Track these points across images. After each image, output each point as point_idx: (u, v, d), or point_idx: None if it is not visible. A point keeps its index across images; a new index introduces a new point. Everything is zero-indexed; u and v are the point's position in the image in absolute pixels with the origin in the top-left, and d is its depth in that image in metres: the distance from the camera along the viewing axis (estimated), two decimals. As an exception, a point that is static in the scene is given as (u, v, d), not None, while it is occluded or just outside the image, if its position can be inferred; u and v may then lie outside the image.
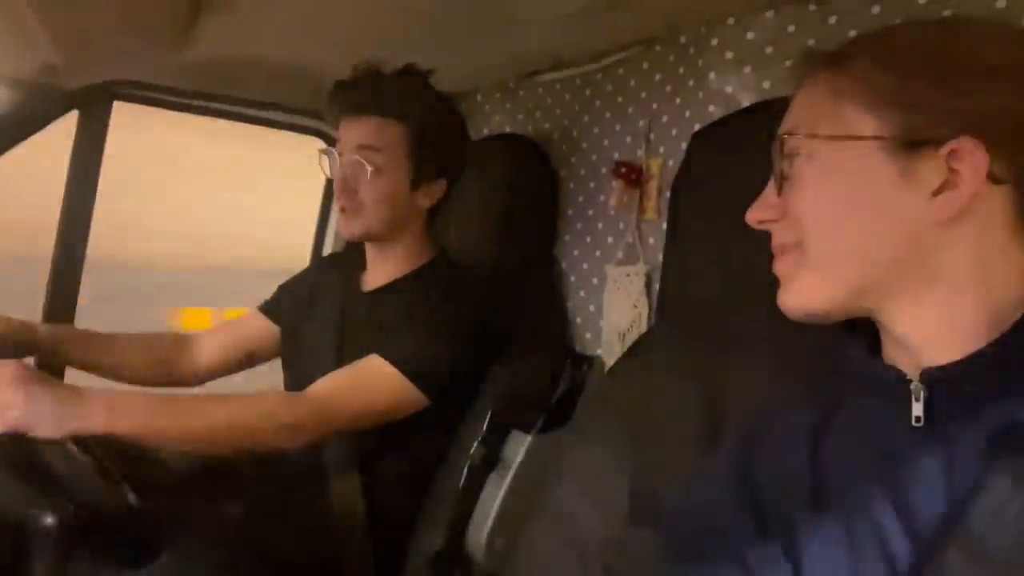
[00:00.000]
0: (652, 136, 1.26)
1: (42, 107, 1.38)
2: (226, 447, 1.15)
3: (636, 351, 1.01)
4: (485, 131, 1.63)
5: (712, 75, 1.14)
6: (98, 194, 1.49)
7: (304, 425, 1.02)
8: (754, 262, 0.63)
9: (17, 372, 0.85)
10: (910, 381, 0.53)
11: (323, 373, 1.08)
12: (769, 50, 1.07)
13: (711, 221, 0.89)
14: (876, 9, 0.94)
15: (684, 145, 1.01)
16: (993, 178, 0.50)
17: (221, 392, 1.10)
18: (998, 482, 0.44)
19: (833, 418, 0.59)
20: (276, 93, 1.63)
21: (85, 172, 1.50)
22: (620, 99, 1.33)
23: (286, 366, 1.36)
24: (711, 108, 1.15)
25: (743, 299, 0.82)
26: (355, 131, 1.18)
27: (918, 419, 0.52)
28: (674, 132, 1.22)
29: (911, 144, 0.51)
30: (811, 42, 1.01)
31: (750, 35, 1.09)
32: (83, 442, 1.08)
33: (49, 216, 1.48)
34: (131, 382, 1.31)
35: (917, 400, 0.52)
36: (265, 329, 1.39)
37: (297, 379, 1.27)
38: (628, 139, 1.31)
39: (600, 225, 1.36)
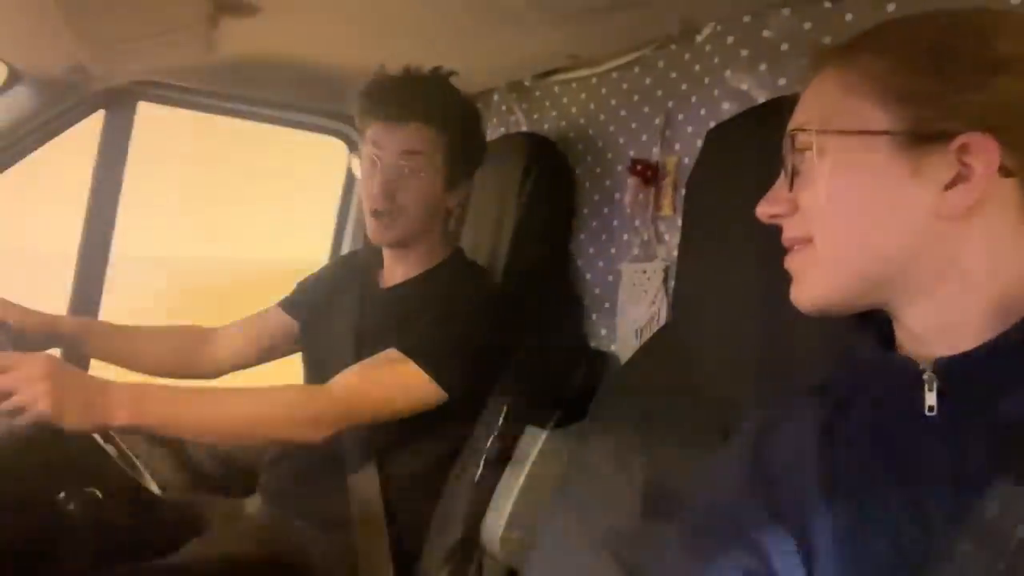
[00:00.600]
0: (668, 133, 1.27)
1: (68, 107, 1.41)
2: (248, 440, 1.17)
3: (651, 347, 1.01)
4: (502, 130, 1.64)
5: (728, 73, 1.14)
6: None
7: (325, 419, 1.03)
8: (767, 259, 0.63)
9: (45, 364, 0.86)
10: (923, 371, 0.53)
11: (341, 368, 1.09)
12: (785, 47, 1.07)
13: (726, 217, 0.89)
14: (892, 7, 0.94)
15: (699, 142, 1.02)
16: (1004, 171, 0.50)
17: (243, 386, 1.11)
18: (1010, 472, 0.45)
19: (845, 409, 0.59)
20: (298, 94, 1.65)
21: (110, 171, 1.53)
22: (636, 97, 1.33)
23: (305, 361, 1.38)
24: (726, 105, 1.15)
25: (757, 295, 0.82)
26: (397, 136, 1.19)
27: (931, 408, 0.52)
28: (689, 130, 1.23)
29: (922, 138, 0.51)
30: (827, 39, 1.01)
31: (766, 33, 1.09)
32: (109, 433, 1.11)
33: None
34: (153, 374, 1.34)
35: (931, 390, 0.52)
36: (285, 324, 1.41)
37: (316, 374, 1.28)
38: (644, 137, 1.31)
39: (615, 223, 1.37)
